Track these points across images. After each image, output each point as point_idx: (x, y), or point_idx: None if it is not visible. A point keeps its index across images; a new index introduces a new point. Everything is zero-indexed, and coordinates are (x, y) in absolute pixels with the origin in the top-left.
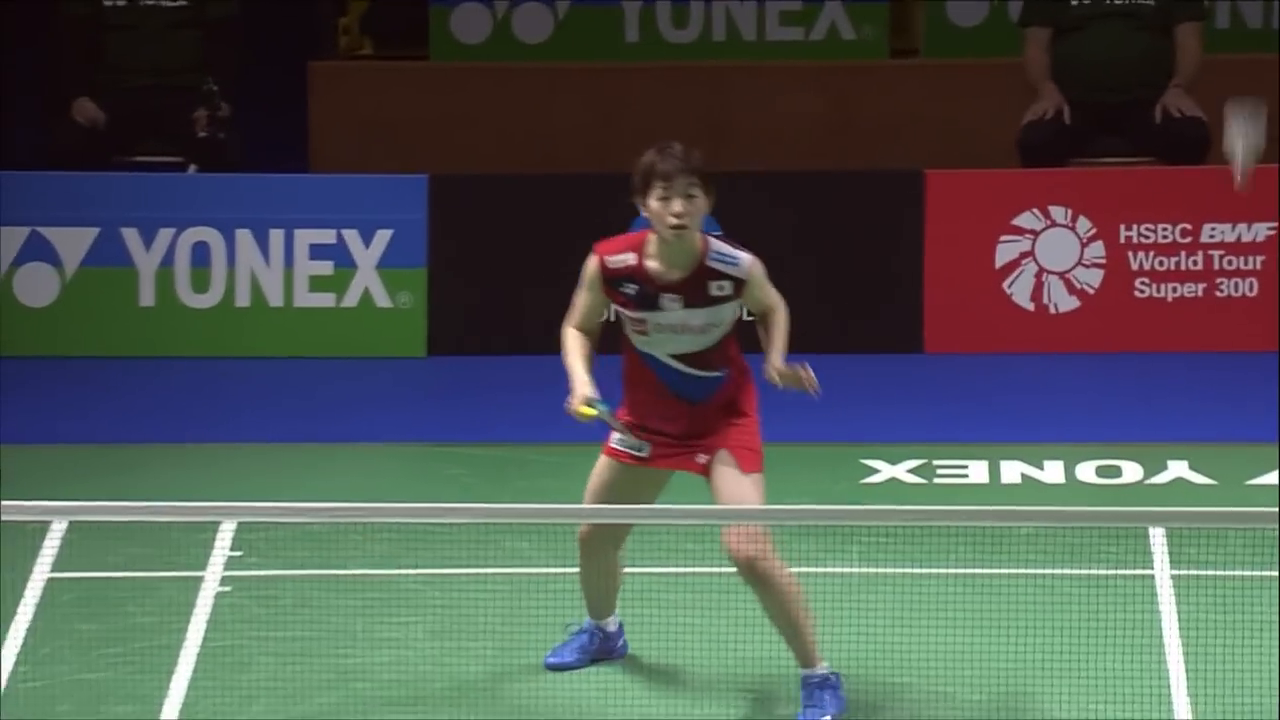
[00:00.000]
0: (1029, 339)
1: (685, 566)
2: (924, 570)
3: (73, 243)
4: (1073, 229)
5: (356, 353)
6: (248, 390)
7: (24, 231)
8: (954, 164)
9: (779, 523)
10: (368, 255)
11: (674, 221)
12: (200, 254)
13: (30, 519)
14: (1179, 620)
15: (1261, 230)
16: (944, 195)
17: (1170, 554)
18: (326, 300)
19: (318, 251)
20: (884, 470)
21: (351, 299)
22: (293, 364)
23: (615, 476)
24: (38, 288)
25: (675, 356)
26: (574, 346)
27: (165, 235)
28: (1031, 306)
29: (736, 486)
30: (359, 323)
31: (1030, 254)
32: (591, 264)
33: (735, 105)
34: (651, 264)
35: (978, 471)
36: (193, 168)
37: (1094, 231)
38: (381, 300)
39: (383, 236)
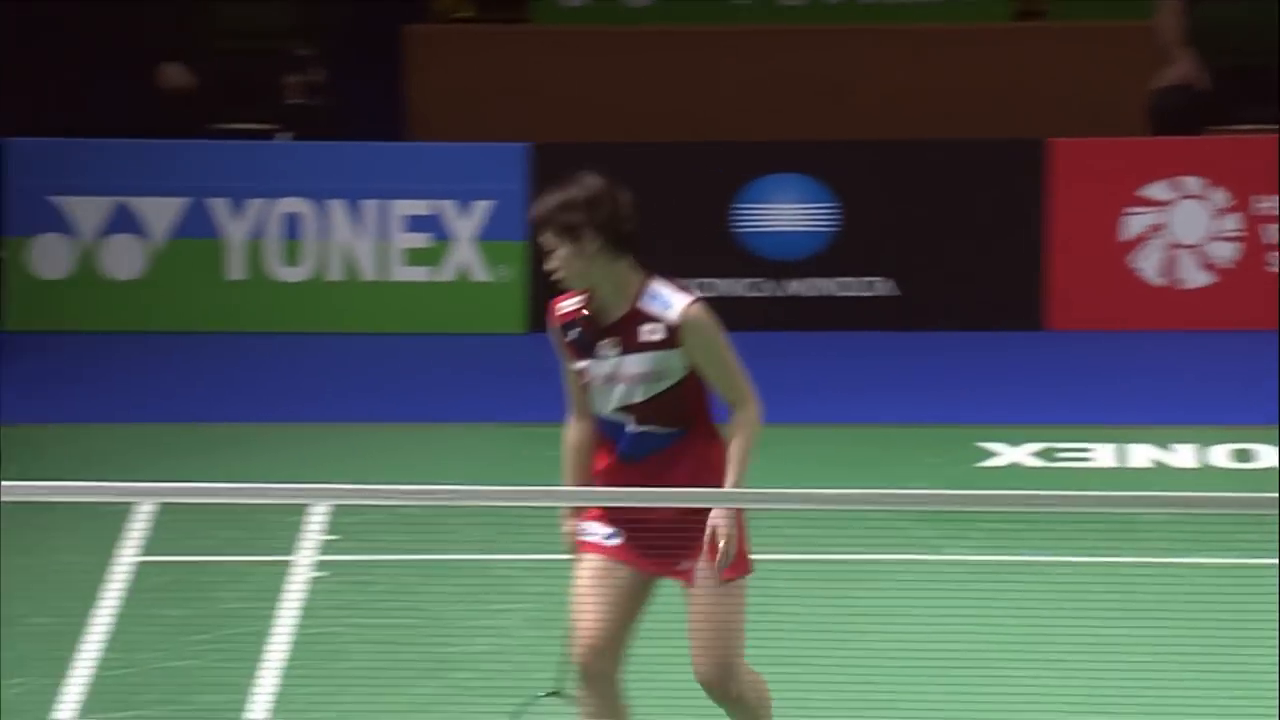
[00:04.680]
0: (1158, 315)
1: (795, 553)
2: (1046, 558)
3: (160, 213)
4: (1207, 200)
5: (453, 329)
6: (340, 368)
7: (110, 202)
8: (1080, 132)
9: (895, 508)
10: (466, 227)
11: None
12: (292, 225)
13: (116, 500)
14: None
15: None
16: (1069, 164)
17: None
18: (422, 274)
19: (414, 223)
20: (1004, 453)
21: (448, 273)
22: (387, 340)
23: (599, 579)
24: (124, 260)
25: (620, 410)
26: (568, 458)
27: (256, 206)
28: (1161, 281)
29: (709, 608)
30: (456, 298)
31: (1160, 226)
32: (549, 317)
33: (852, 71)
34: (594, 307)
35: (1103, 455)
36: (284, 135)
37: (1230, 203)
38: (480, 274)
39: (481, 207)
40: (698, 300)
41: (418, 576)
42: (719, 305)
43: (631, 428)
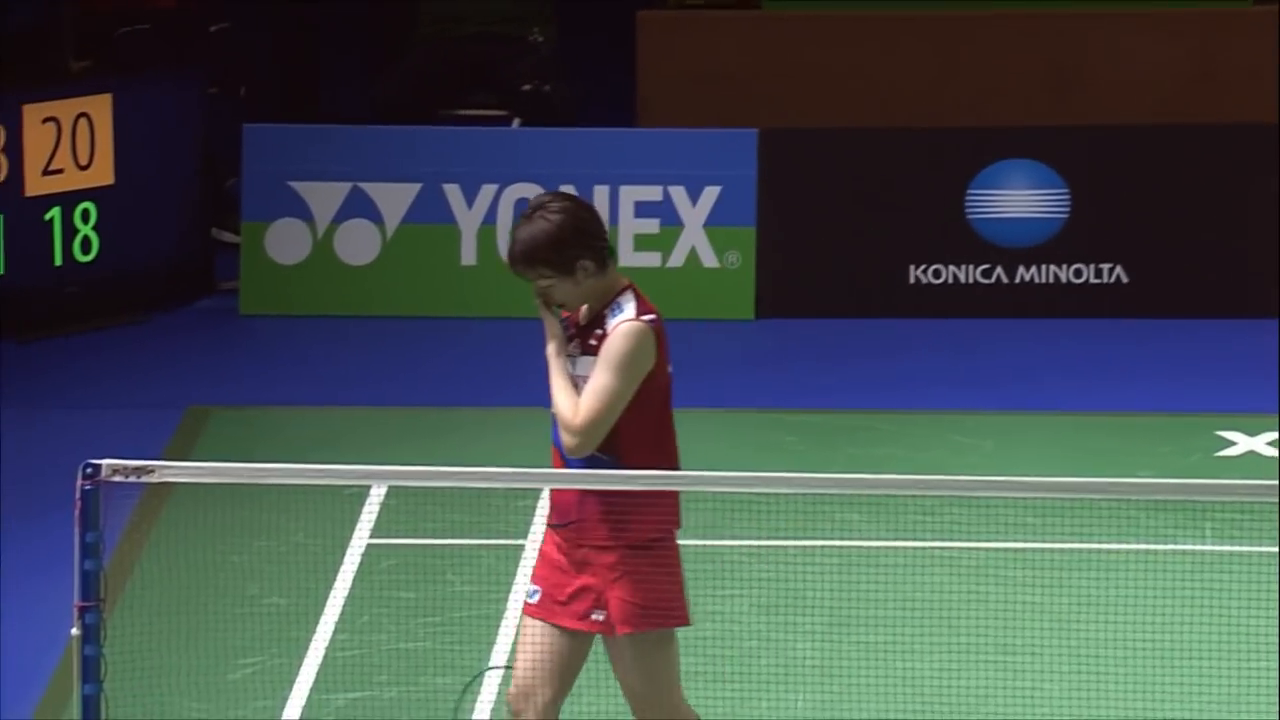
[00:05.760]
0: None
1: (1027, 541)
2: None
3: (394, 199)
4: None
5: (682, 314)
6: None
7: (345, 187)
8: None
9: (1127, 496)
10: (695, 213)
11: None
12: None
13: (350, 483)
14: None
15: None
16: None
17: None
18: (652, 259)
19: (643, 209)
20: (1241, 442)
21: (677, 258)
22: None
23: (524, 636)
24: (358, 245)
25: None
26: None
27: (488, 192)
28: None
29: (623, 671)
30: (685, 283)
31: None
32: None
33: (1085, 55)
34: (585, 310)
35: None
36: (517, 121)
37: None
38: (708, 260)
39: (710, 193)
40: (644, 321)
41: None
42: (950, 292)
43: None
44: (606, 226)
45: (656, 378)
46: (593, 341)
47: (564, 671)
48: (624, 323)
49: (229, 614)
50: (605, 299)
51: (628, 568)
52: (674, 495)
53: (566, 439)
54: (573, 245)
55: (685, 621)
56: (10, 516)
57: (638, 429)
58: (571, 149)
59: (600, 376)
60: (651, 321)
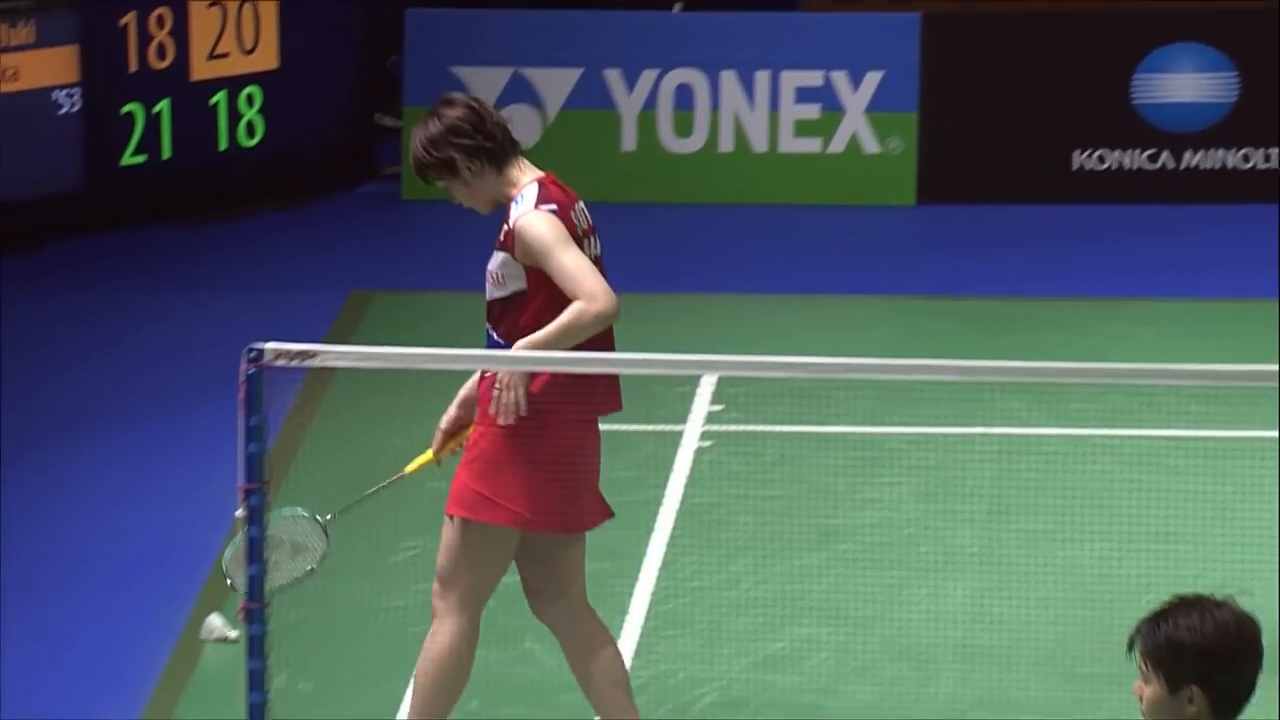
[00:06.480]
0: None
1: (1189, 429)
2: None
3: (555, 84)
4: None
5: (843, 200)
6: (730, 239)
7: (506, 72)
8: None
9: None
10: (856, 99)
11: None
12: (683, 96)
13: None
14: None
15: None
16: None
17: None
18: (813, 145)
19: (804, 94)
20: None
21: (838, 144)
22: (776, 212)
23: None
24: (519, 130)
25: (487, 305)
26: None
27: (648, 77)
28: None
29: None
30: (846, 169)
31: None
32: None
33: None
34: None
35: None
36: (678, 6)
37: None
38: (869, 146)
39: (872, 79)
40: (543, 209)
41: (803, 448)
42: (1115, 178)
43: (489, 328)
44: (498, 121)
45: None
46: (501, 237)
47: (525, 561)
48: (521, 216)
49: (390, 498)
50: (511, 195)
51: (480, 449)
52: (560, 385)
53: (603, 315)
54: (443, 147)
55: (506, 522)
56: (176, 399)
57: (533, 315)
58: (733, 34)
59: (551, 263)
60: (553, 210)
